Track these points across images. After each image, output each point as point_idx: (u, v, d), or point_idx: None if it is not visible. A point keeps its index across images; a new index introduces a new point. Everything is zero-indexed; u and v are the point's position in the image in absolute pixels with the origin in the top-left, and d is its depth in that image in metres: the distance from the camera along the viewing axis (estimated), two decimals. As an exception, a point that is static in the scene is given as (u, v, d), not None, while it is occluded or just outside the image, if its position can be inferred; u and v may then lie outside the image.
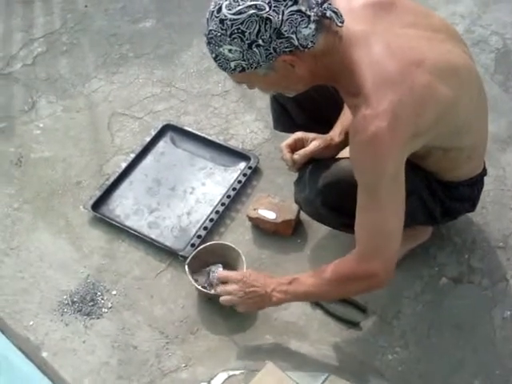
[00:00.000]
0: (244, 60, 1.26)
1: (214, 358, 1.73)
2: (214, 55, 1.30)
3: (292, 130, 1.83)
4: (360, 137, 1.29)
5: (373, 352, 1.72)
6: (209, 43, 1.29)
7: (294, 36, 1.22)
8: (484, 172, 1.73)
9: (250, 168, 2.18)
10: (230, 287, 1.65)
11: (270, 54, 1.24)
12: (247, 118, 2.41)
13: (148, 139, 2.31)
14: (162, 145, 2.32)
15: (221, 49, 1.26)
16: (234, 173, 2.20)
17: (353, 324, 1.77)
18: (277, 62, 1.26)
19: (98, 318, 1.84)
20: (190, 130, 2.34)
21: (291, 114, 1.85)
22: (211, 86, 2.56)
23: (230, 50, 1.25)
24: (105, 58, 2.74)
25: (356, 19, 1.33)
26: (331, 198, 1.58)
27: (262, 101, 2.44)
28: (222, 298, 1.66)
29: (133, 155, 2.25)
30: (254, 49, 1.23)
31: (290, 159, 1.69)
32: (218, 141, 2.30)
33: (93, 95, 2.57)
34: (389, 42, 1.30)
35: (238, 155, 2.24)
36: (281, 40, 1.22)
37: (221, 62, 1.30)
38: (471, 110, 1.46)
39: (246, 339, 1.77)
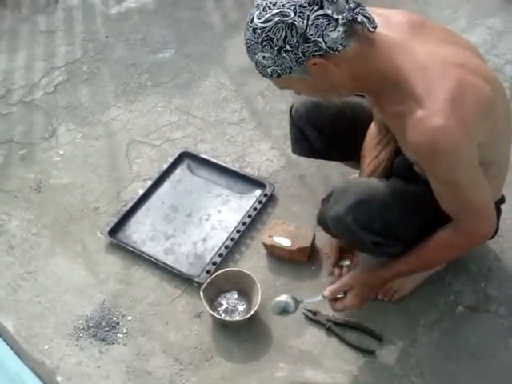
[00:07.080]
0: (277, 66, 1.31)
1: (227, 385, 1.73)
2: (254, 63, 1.37)
3: (310, 155, 1.90)
4: (421, 141, 1.30)
5: (388, 381, 1.70)
6: (247, 52, 1.35)
7: (321, 40, 1.25)
8: (502, 199, 1.72)
9: (265, 195, 2.19)
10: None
11: (300, 58, 1.28)
12: (263, 146, 2.44)
13: (165, 166, 2.34)
14: (178, 172, 2.34)
15: (256, 56, 1.33)
16: (249, 200, 2.21)
17: (368, 352, 1.76)
18: (308, 65, 1.30)
19: (113, 343, 1.84)
20: (206, 157, 2.36)
21: (309, 138, 1.87)
22: (228, 115, 2.59)
23: (263, 57, 1.31)
24: (124, 87, 2.79)
25: (394, 29, 1.36)
26: (362, 216, 1.56)
27: (278, 129, 2.47)
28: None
29: (150, 182, 2.28)
30: (284, 54, 1.28)
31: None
32: (234, 168, 2.32)
33: (112, 123, 2.61)
34: (428, 50, 1.33)
35: (254, 183, 2.26)
36: (308, 44, 1.26)
37: (259, 68, 1.36)
38: (504, 119, 1.46)
39: (260, 367, 1.76)
